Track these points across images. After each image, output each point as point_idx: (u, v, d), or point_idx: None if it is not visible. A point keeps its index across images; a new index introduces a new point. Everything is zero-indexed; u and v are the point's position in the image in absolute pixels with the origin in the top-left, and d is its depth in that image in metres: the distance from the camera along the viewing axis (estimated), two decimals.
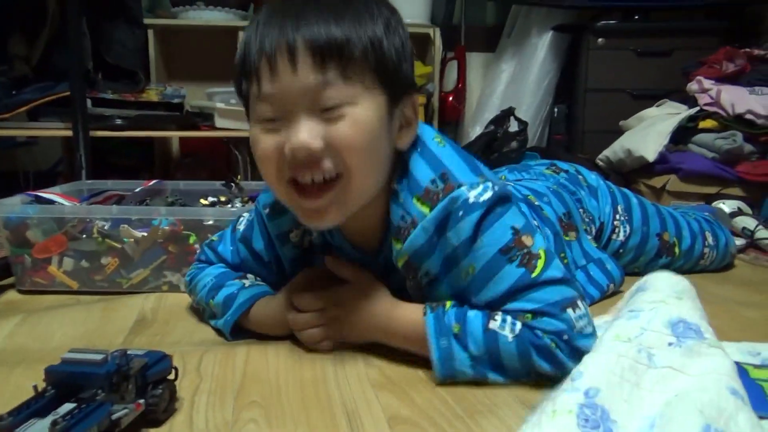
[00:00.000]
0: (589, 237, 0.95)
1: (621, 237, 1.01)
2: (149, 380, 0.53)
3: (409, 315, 0.66)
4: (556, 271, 0.62)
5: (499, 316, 0.61)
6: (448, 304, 0.65)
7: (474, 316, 0.62)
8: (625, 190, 1.08)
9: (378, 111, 0.60)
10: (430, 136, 0.68)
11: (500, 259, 0.61)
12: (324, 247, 0.75)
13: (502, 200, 0.63)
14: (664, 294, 0.60)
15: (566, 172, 1.03)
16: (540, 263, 0.62)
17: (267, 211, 0.76)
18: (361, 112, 0.59)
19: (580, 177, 1.03)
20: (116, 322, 0.82)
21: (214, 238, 0.85)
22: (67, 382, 0.50)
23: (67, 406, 0.48)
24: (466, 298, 0.65)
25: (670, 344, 0.53)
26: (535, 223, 0.80)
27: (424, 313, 0.63)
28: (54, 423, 0.44)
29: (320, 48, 0.57)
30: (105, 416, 0.47)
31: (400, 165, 0.66)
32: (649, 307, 0.58)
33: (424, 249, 0.64)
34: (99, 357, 0.50)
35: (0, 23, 1.58)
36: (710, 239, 1.08)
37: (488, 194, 0.62)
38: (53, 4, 1.52)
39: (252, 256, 0.79)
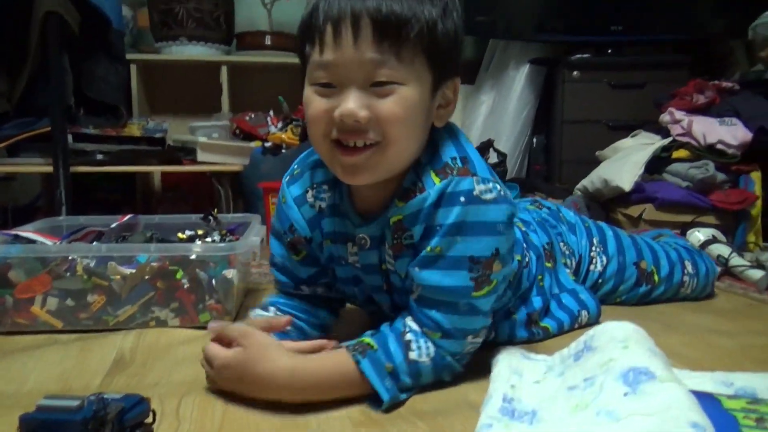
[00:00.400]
0: (568, 270, 0.98)
1: (599, 267, 1.04)
2: (126, 425, 0.53)
3: (330, 366, 0.66)
4: (488, 303, 0.70)
5: (413, 343, 0.68)
6: (368, 341, 0.68)
7: (394, 349, 0.67)
8: (601, 223, 1.11)
9: (423, 91, 0.65)
10: (461, 132, 0.74)
11: (464, 263, 0.67)
12: (332, 208, 0.78)
13: (507, 222, 0.68)
14: (610, 351, 0.63)
15: (548, 208, 1.08)
16: (486, 289, 0.69)
17: (287, 179, 0.81)
18: (407, 91, 0.63)
19: (560, 214, 1.07)
20: (93, 363, 0.81)
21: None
22: (42, 430, 0.49)
23: None
24: (411, 271, 0.69)
25: (625, 395, 0.55)
26: (524, 245, 0.87)
27: (357, 361, 0.65)
28: None
29: (382, 22, 0.61)
30: None
31: (430, 143, 0.71)
32: (601, 371, 0.61)
33: (420, 214, 0.68)
34: (74, 403, 0.50)
35: None
36: (690, 268, 1.11)
37: (492, 195, 0.67)
38: (35, 41, 1.53)
39: (291, 245, 0.80)
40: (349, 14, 0.61)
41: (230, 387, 0.67)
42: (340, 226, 0.78)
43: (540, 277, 0.91)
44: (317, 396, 0.65)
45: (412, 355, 0.67)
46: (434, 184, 0.68)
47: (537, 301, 0.89)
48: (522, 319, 0.86)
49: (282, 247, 0.81)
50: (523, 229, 0.93)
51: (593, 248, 1.04)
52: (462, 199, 0.66)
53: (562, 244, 1.00)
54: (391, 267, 0.75)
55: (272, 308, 0.82)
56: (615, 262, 1.04)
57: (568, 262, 1.00)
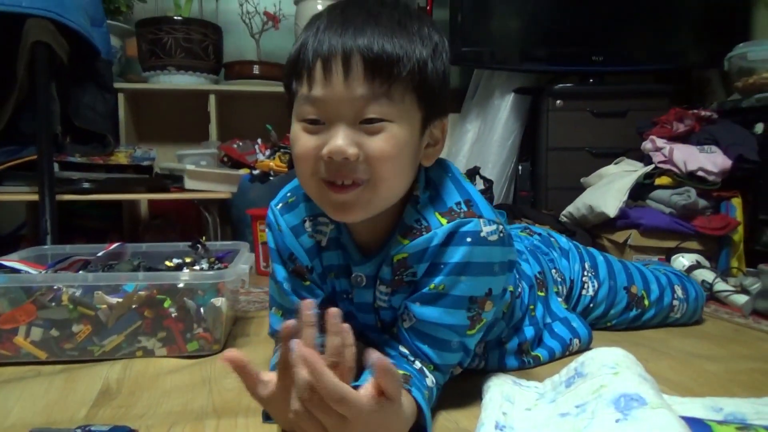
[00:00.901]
0: (560, 298, 0.99)
1: (590, 292, 1.05)
2: None
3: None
4: (475, 341, 0.72)
5: (425, 369, 0.69)
6: (400, 372, 0.65)
7: (419, 376, 0.67)
8: (592, 249, 1.13)
9: (412, 129, 0.65)
10: (458, 171, 0.75)
11: (464, 302, 0.68)
12: (333, 242, 0.76)
13: (504, 263, 0.70)
14: (601, 377, 0.64)
15: (539, 234, 1.09)
16: (477, 327, 0.70)
17: (280, 206, 0.79)
18: (397, 130, 0.63)
19: (552, 239, 1.08)
20: (79, 394, 0.80)
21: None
22: None
23: None
24: (410, 305, 0.70)
25: (617, 421, 0.55)
26: (516, 276, 0.88)
27: (408, 390, 0.62)
28: None
29: (373, 61, 0.61)
30: None
31: (427, 182, 0.72)
32: (593, 397, 0.61)
33: (426, 253, 0.68)
34: None
35: None
36: (680, 292, 1.12)
37: (495, 237, 0.68)
38: (22, 70, 1.53)
39: (291, 277, 0.78)
40: (339, 51, 0.61)
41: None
42: (342, 259, 0.77)
43: (532, 306, 0.91)
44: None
45: (429, 381, 0.68)
46: (440, 224, 0.68)
47: (529, 331, 0.89)
48: (513, 348, 0.87)
49: (287, 272, 0.79)
50: (516, 259, 0.94)
51: (585, 273, 1.05)
52: (469, 239, 0.67)
53: (553, 270, 1.01)
54: (384, 304, 0.75)
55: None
56: (606, 286, 1.05)
57: (560, 289, 1.01)
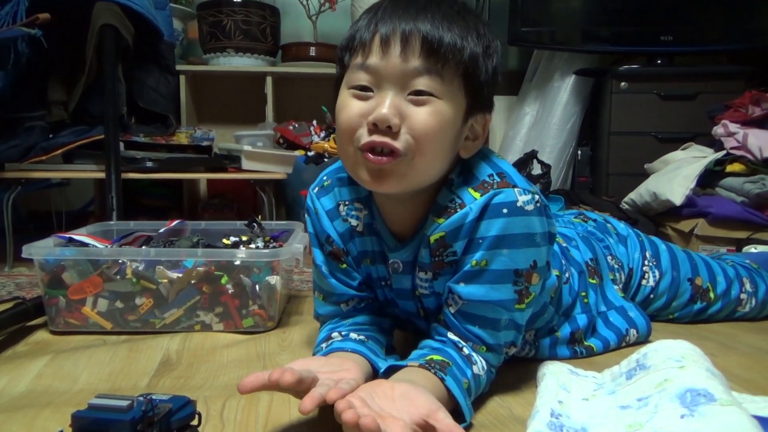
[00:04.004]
0: (617, 286, 0.95)
1: (651, 282, 1.00)
2: (173, 426, 0.54)
3: (424, 381, 0.62)
4: (525, 316, 0.70)
5: (472, 357, 0.67)
6: (440, 358, 0.65)
7: (464, 366, 0.66)
8: (654, 238, 1.07)
9: (457, 111, 0.65)
10: (490, 151, 0.74)
11: (509, 276, 0.67)
12: (368, 228, 0.76)
13: (544, 234, 0.68)
14: (665, 371, 0.61)
15: (594, 221, 1.05)
16: (526, 301, 0.69)
17: (316, 190, 0.80)
18: (442, 105, 0.64)
19: (608, 225, 1.04)
20: (141, 364, 0.83)
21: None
22: (93, 428, 0.50)
23: None
24: (453, 286, 0.68)
25: (682, 417, 0.53)
26: (563, 261, 0.85)
27: (441, 378, 0.62)
28: None
29: (430, 41, 0.63)
30: None
31: (461, 166, 0.71)
32: (656, 391, 0.59)
33: (462, 229, 0.67)
34: (125, 403, 0.51)
35: (41, 71, 1.65)
36: (748, 285, 1.06)
37: (531, 206, 0.66)
38: (92, 54, 1.59)
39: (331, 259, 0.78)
40: (399, 29, 0.63)
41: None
42: (377, 245, 0.76)
43: (584, 293, 0.88)
44: None
45: (476, 369, 0.67)
46: (474, 198, 0.67)
47: (581, 319, 0.86)
48: (565, 337, 0.84)
49: (324, 255, 0.79)
50: (564, 244, 0.91)
51: (646, 262, 1.00)
52: (505, 210, 0.65)
53: (609, 257, 0.97)
54: (426, 291, 0.74)
55: (336, 333, 0.76)
56: (669, 276, 1.00)
57: (617, 276, 0.96)
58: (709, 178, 1.69)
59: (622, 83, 2.12)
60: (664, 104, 2.11)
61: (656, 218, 1.75)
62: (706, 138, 1.86)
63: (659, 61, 2.18)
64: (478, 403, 0.68)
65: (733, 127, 1.68)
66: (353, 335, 0.74)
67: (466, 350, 0.68)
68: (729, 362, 0.83)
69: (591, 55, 2.32)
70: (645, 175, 1.89)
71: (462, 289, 0.68)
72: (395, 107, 0.63)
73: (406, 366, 0.65)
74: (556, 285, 0.81)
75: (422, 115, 0.63)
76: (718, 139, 1.73)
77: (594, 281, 0.91)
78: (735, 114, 1.73)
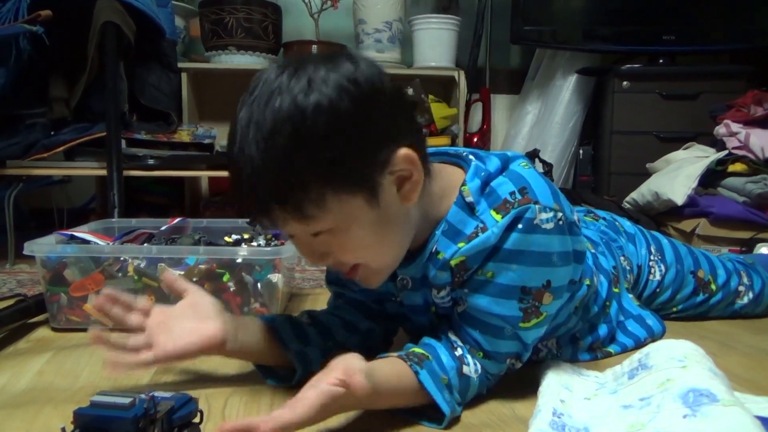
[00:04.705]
0: (631, 295, 0.95)
1: (657, 276, 1.01)
2: (175, 424, 0.53)
3: (388, 371, 0.62)
4: (533, 335, 0.68)
5: (465, 358, 0.66)
6: (421, 351, 0.65)
7: (447, 362, 0.65)
8: (655, 233, 1.08)
9: (358, 215, 0.60)
10: (517, 161, 0.69)
11: (515, 292, 0.65)
12: None
13: (565, 253, 0.66)
14: (667, 371, 0.61)
15: (604, 219, 1.04)
16: (534, 321, 0.66)
17: None
18: (342, 234, 0.61)
19: (617, 224, 1.03)
20: None
21: None
22: (95, 425, 0.50)
23: None
24: (460, 292, 0.68)
25: (685, 416, 0.52)
26: (594, 269, 0.83)
27: (416, 371, 0.62)
28: None
29: (267, 208, 0.59)
30: None
31: (483, 182, 0.66)
32: (659, 391, 0.59)
33: (483, 254, 0.64)
34: (127, 401, 0.51)
35: (43, 68, 1.65)
36: (745, 278, 1.07)
37: (551, 224, 0.64)
38: (93, 51, 1.59)
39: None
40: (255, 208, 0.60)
41: None
42: None
43: (608, 303, 0.86)
44: (380, 403, 0.62)
45: (465, 369, 0.66)
46: (496, 221, 0.63)
47: (603, 329, 0.85)
48: (586, 346, 0.84)
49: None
50: (593, 250, 0.88)
51: (651, 257, 1.00)
52: (520, 226, 0.63)
53: (622, 258, 0.95)
54: (445, 303, 0.71)
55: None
56: (673, 270, 1.01)
57: (629, 278, 0.96)
58: (711, 177, 1.69)
59: (624, 82, 2.12)
60: (666, 104, 2.11)
61: (658, 218, 1.75)
62: (708, 138, 1.86)
63: (661, 61, 2.17)
64: (479, 402, 0.68)
65: (735, 126, 1.68)
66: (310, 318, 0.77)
67: (459, 350, 0.67)
68: (730, 362, 0.83)
69: (593, 54, 2.32)
70: (647, 174, 1.89)
71: (468, 296, 0.67)
72: (311, 253, 0.64)
73: (386, 357, 0.65)
74: (585, 294, 0.78)
75: (335, 248, 0.62)
76: (720, 138, 1.73)
77: (616, 290, 0.90)
78: (737, 114, 1.73)
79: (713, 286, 1.04)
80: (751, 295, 1.07)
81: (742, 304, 1.07)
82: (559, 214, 0.65)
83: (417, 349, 0.66)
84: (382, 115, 0.60)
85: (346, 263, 0.65)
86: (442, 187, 0.68)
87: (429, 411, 0.63)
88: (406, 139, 0.61)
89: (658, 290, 1.01)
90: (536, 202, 0.64)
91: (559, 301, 0.68)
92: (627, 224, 1.05)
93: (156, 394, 0.54)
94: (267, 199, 0.58)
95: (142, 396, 0.52)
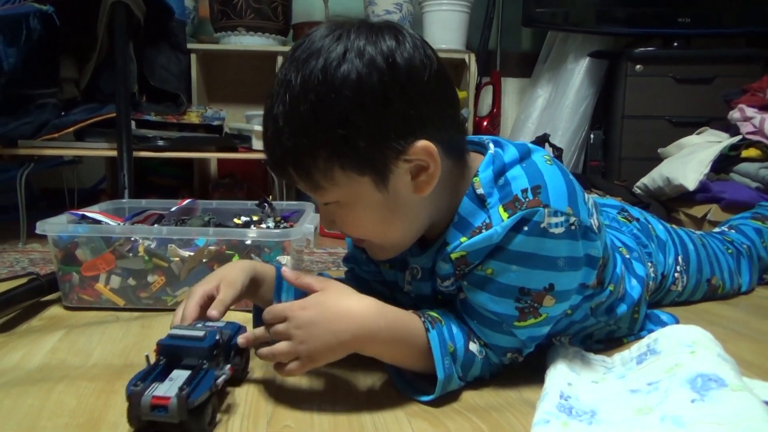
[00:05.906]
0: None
1: (679, 287, 1.01)
2: (233, 349, 0.65)
3: (406, 320, 0.63)
4: (528, 333, 0.66)
5: (473, 335, 0.67)
6: (436, 315, 0.65)
7: (457, 333, 0.65)
8: (683, 233, 1.05)
9: (364, 195, 0.62)
10: (540, 154, 0.67)
11: (512, 292, 0.64)
12: None
13: (573, 258, 0.64)
14: (676, 356, 0.61)
15: (638, 220, 1.00)
16: (531, 321, 0.65)
17: None
18: (349, 209, 0.63)
19: (650, 227, 1.00)
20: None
21: None
22: (174, 353, 0.59)
23: (178, 373, 0.57)
24: (461, 284, 0.67)
25: (693, 401, 0.53)
26: (625, 274, 0.81)
27: (427, 329, 0.62)
28: (180, 389, 0.52)
29: (282, 169, 0.63)
30: (213, 380, 0.57)
31: (498, 171, 0.65)
32: (666, 376, 0.59)
33: (485, 251, 0.63)
34: (200, 333, 0.60)
35: (53, 49, 1.65)
36: (745, 274, 1.12)
37: (561, 229, 0.62)
38: (103, 32, 1.59)
39: None
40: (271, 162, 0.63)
41: (302, 337, 0.59)
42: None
43: (637, 308, 0.83)
44: (385, 349, 0.62)
45: (472, 346, 0.66)
46: (501, 219, 0.61)
47: (620, 332, 0.83)
48: (600, 339, 0.83)
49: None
50: (627, 256, 0.86)
51: (678, 267, 0.99)
52: (525, 228, 0.61)
53: (649, 264, 0.93)
54: (450, 291, 0.71)
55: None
56: (694, 280, 1.02)
57: (650, 285, 0.93)
58: (724, 163, 1.67)
59: (638, 66, 2.09)
60: (679, 88, 2.08)
61: (668, 203, 1.74)
62: (721, 122, 1.84)
63: (676, 44, 2.14)
64: (486, 384, 0.68)
65: (750, 111, 1.66)
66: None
67: (468, 329, 0.67)
68: (739, 348, 0.83)
69: (606, 37, 2.29)
70: (658, 159, 1.87)
71: (467, 289, 0.66)
72: (323, 219, 0.67)
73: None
74: (603, 301, 0.76)
75: (344, 222, 0.65)
76: (734, 123, 1.71)
77: (647, 297, 0.88)
78: (752, 98, 1.71)
79: (720, 291, 1.07)
80: (736, 288, 1.11)
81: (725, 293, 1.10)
82: (572, 219, 0.62)
83: (433, 313, 0.66)
84: (407, 102, 0.58)
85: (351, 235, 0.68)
86: (463, 178, 0.67)
87: (427, 387, 0.63)
88: (432, 131, 0.60)
89: (676, 299, 1.02)
90: (546, 206, 0.61)
91: (563, 304, 0.66)
92: (660, 228, 1.01)
93: (219, 325, 0.64)
94: (283, 159, 0.61)
95: (210, 329, 0.61)
